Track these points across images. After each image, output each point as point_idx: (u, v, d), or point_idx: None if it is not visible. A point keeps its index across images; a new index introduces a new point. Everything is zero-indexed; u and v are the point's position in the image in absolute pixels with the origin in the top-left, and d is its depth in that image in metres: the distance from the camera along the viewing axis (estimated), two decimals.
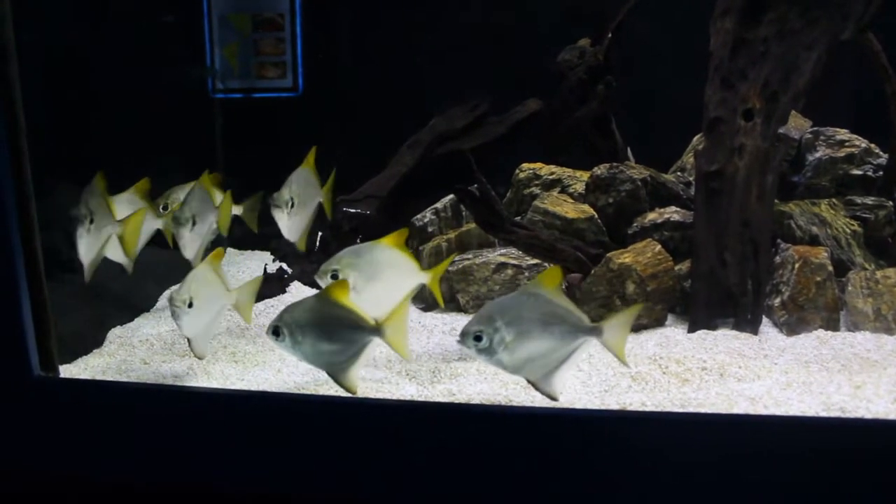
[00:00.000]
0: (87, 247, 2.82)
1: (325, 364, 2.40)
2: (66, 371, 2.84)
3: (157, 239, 3.87)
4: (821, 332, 2.99)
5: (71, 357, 2.98)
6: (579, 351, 2.22)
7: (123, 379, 2.78)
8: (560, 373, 2.23)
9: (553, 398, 2.24)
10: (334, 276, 2.53)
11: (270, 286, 3.49)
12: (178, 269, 3.95)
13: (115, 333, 3.27)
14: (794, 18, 2.96)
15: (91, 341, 3.19)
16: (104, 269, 3.73)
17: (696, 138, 3.86)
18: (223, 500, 2.37)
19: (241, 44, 4.72)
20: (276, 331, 2.38)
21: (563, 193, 3.76)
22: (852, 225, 3.38)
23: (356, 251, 2.60)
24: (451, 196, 3.92)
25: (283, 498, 2.31)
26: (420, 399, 2.50)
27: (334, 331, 2.35)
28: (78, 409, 2.45)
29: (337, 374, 2.39)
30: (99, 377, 2.80)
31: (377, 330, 2.33)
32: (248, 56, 4.70)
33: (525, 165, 3.89)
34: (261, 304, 3.46)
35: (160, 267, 3.92)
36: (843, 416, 2.20)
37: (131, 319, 3.45)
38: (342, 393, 2.54)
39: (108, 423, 2.41)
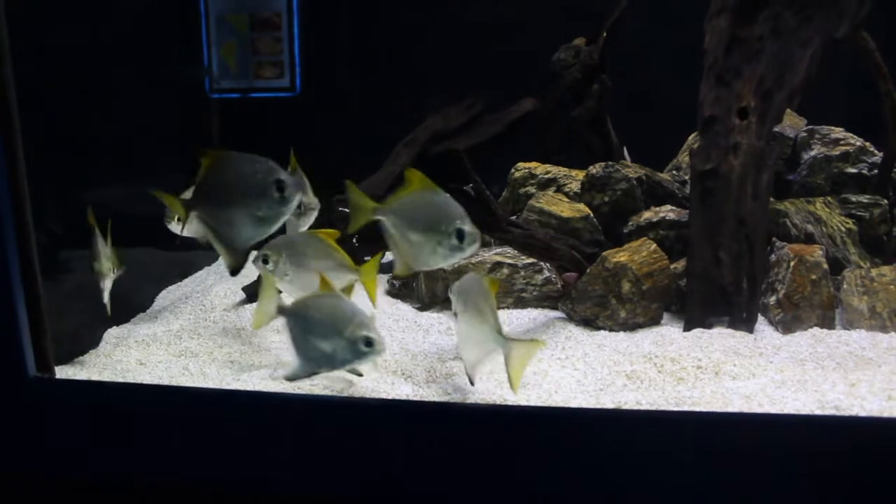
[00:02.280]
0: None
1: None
2: (62, 372, 2.83)
3: (155, 239, 3.89)
4: (816, 331, 3.00)
5: (67, 358, 2.98)
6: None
7: (119, 379, 2.77)
8: None
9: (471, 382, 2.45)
10: (265, 261, 2.59)
11: None
12: (174, 270, 3.97)
13: (112, 334, 3.26)
14: (788, 17, 2.96)
15: (87, 342, 3.18)
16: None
17: (690, 137, 3.87)
18: (220, 500, 2.37)
19: (239, 43, 4.72)
20: (265, 259, 2.58)
21: (558, 192, 3.77)
22: (847, 223, 3.39)
23: (290, 240, 2.65)
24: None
25: (280, 498, 2.31)
26: (415, 398, 2.51)
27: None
28: (74, 410, 2.45)
29: None
30: (95, 378, 2.80)
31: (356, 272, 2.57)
32: (246, 56, 4.70)
33: (520, 164, 3.89)
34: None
35: (156, 267, 3.92)
36: (837, 414, 2.20)
37: (128, 320, 3.45)
38: (338, 393, 2.55)
39: (104, 423, 2.41)
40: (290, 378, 2.34)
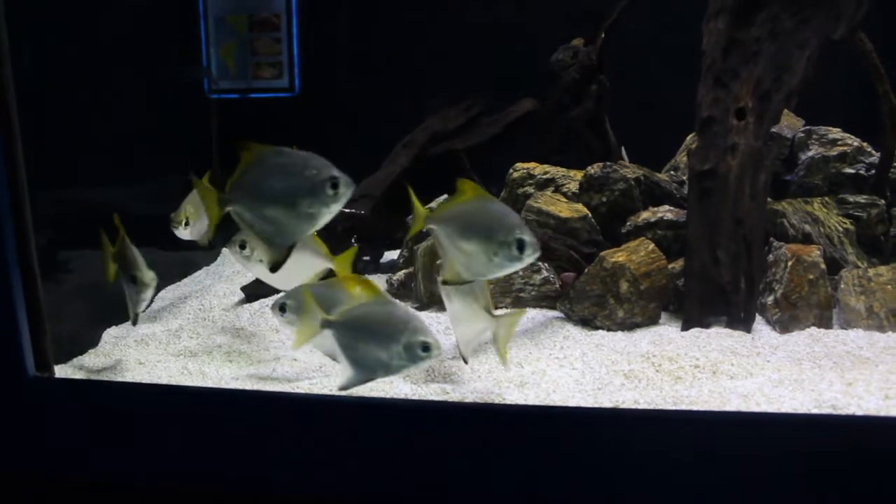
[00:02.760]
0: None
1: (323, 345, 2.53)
2: (62, 371, 2.84)
3: (152, 239, 3.89)
4: (813, 330, 3.01)
5: (66, 357, 2.99)
6: None
7: (118, 379, 2.78)
8: None
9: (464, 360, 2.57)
10: (242, 246, 2.63)
11: (264, 287, 3.49)
12: (174, 269, 3.98)
13: (111, 333, 3.27)
14: (785, 18, 2.97)
15: (86, 341, 3.19)
16: (100, 269, 3.75)
17: (689, 137, 3.88)
18: (219, 499, 2.37)
19: (238, 44, 4.73)
20: (282, 307, 2.62)
21: (556, 193, 3.77)
22: (845, 223, 3.40)
23: None
24: (446, 196, 3.93)
25: (280, 498, 2.31)
26: (414, 398, 2.51)
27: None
28: (73, 410, 2.45)
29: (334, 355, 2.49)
30: (94, 377, 2.81)
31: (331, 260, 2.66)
32: (245, 56, 4.71)
33: (519, 165, 3.90)
34: (255, 304, 3.47)
35: (155, 267, 3.92)
36: (834, 412, 2.21)
37: (127, 320, 3.44)
38: (334, 390, 2.55)
39: (104, 423, 2.41)
40: (345, 388, 2.30)
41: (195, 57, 4.69)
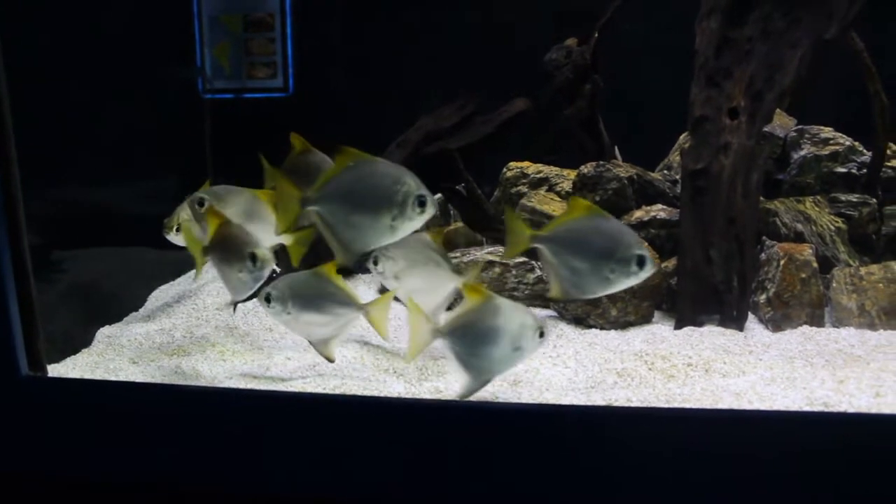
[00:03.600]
0: None
1: (309, 334, 2.64)
2: (55, 370, 2.84)
3: (145, 239, 3.89)
4: (805, 328, 3.02)
5: (59, 357, 2.98)
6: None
7: (112, 378, 2.77)
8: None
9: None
10: (200, 203, 2.64)
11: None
12: (167, 268, 3.97)
13: (104, 333, 3.26)
14: (778, 18, 2.99)
15: (79, 341, 3.19)
16: (93, 269, 3.75)
17: (682, 137, 3.89)
18: (214, 499, 2.37)
19: (232, 44, 4.72)
20: (268, 297, 2.57)
21: (550, 192, 3.79)
22: (836, 222, 3.41)
23: (229, 190, 2.70)
24: (439, 195, 3.94)
25: (275, 498, 2.31)
26: (408, 396, 2.52)
27: (323, 304, 2.56)
28: (67, 409, 2.45)
29: (318, 345, 2.65)
30: (88, 377, 2.80)
31: (362, 308, 2.57)
32: (239, 56, 4.70)
33: (512, 164, 3.91)
34: (249, 303, 3.46)
35: (148, 266, 3.93)
36: (826, 410, 2.22)
37: (120, 319, 3.45)
38: (330, 391, 2.55)
39: (98, 422, 2.41)
40: (466, 395, 2.35)
41: (189, 57, 4.68)
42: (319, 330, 2.62)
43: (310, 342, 2.69)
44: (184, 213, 3.13)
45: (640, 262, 2.22)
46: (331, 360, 2.67)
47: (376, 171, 2.24)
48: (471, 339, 2.29)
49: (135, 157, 4.01)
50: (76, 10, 3.74)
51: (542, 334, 2.25)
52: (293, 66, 4.76)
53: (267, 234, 2.62)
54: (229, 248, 2.59)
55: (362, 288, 3.82)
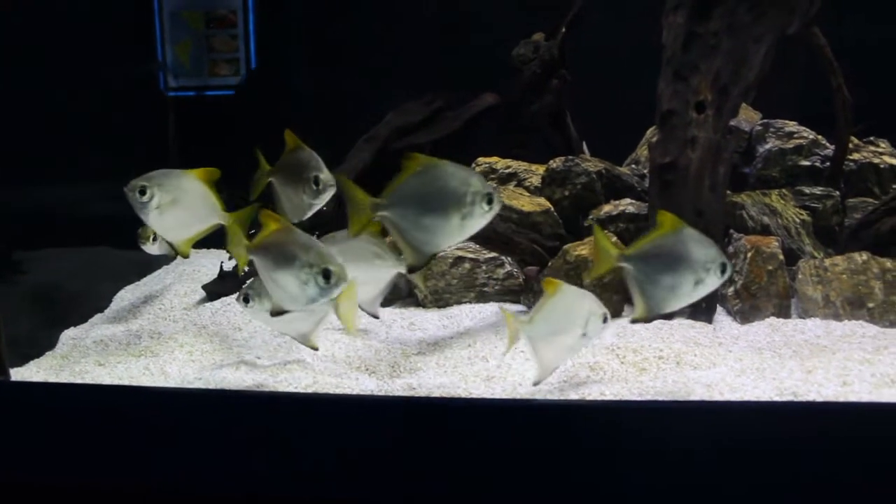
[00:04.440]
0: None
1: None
2: (18, 374, 2.78)
3: (107, 239, 3.83)
4: (773, 320, 3.06)
5: (22, 360, 2.92)
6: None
7: (78, 381, 2.72)
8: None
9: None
10: (142, 192, 2.60)
11: (226, 284, 3.46)
12: (132, 269, 3.92)
13: (69, 335, 3.20)
14: (742, 13, 3.01)
15: (44, 343, 3.13)
16: (55, 270, 3.68)
17: (649, 131, 3.92)
18: (184, 500, 2.34)
19: (194, 41, 4.67)
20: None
21: (519, 187, 3.79)
22: (801, 214, 3.46)
23: (167, 173, 2.66)
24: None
25: (248, 498, 2.29)
26: (381, 394, 2.50)
27: None
28: (30, 413, 2.40)
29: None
30: (52, 380, 2.75)
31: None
32: (201, 53, 4.65)
33: (481, 159, 3.90)
34: (217, 303, 3.42)
35: (112, 267, 3.87)
36: (795, 399, 2.25)
37: (85, 320, 3.39)
38: (302, 389, 2.53)
39: (62, 426, 2.37)
40: (539, 381, 2.44)
41: (151, 53, 4.63)
42: (298, 324, 2.65)
43: (291, 336, 2.73)
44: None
45: (723, 269, 2.31)
46: (315, 349, 2.73)
47: (443, 174, 2.30)
48: (553, 328, 2.38)
49: (96, 156, 3.95)
50: (34, 4, 3.68)
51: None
52: (256, 63, 4.73)
53: (205, 215, 2.64)
54: (295, 172, 2.65)
55: None
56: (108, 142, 4.06)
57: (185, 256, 2.74)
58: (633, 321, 2.38)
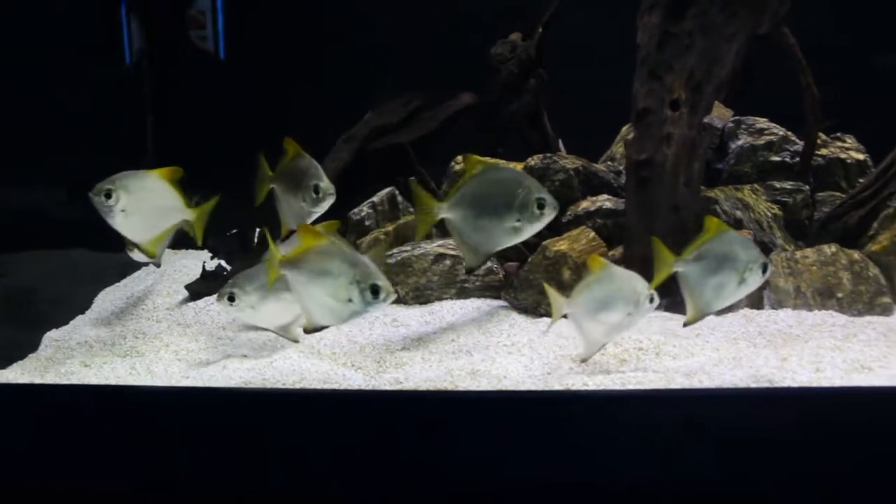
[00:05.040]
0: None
1: (270, 323, 2.82)
2: (1, 377, 2.78)
3: (84, 241, 3.82)
4: (747, 311, 3.14)
5: (5, 363, 2.92)
6: None
7: (64, 382, 2.73)
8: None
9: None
10: (107, 195, 2.68)
11: (209, 284, 3.47)
12: (112, 270, 3.91)
13: (51, 337, 3.20)
14: (715, 13, 3.09)
15: (25, 346, 3.12)
16: (34, 273, 3.67)
17: (624, 128, 3.99)
18: (174, 498, 2.36)
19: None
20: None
21: None
22: (773, 208, 3.55)
23: (130, 175, 2.75)
24: (388, 189, 3.96)
25: (239, 494, 2.31)
26: (368, 388, 2.54)
27: (280, 293, 2.69)
28: (16, 415, 2.40)
29: (280, 330, 2.83)
30: (38, 381, 2.75)
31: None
32: None
33: (460, 157, 3.95)
34: (200, 302, 3.44)
35: (92, 269, 3.86)
36: (771, 386, 2.33)
37: (66, 322, 3.38)
38: (289, 385, 2.56)
39: (47, 427, 2.37)
40: (586, 358, 2.61)
41: (119, 56, 4.60)
42: (279, 318, 2.77)
43: (271, 330, 2.84)
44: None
45: (764, 269, 2.45)
46: (296, 342, 2.84)
47: (499, 178, 2.42)
48: (598, 304, 2.48)
49: (72, 158, 3.94)
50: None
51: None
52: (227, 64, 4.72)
53: (170, 213, 2.75)
54: (295, 179, 2.74)
55: None
56: (83, 144, 4.05)
57: (152, 257, 2.81)
58: (686, 324, 2.49)
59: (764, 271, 2.44)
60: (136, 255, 3.18)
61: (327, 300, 2.34)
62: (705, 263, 2.44)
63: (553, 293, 2.51)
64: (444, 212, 2.43)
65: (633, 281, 2.50)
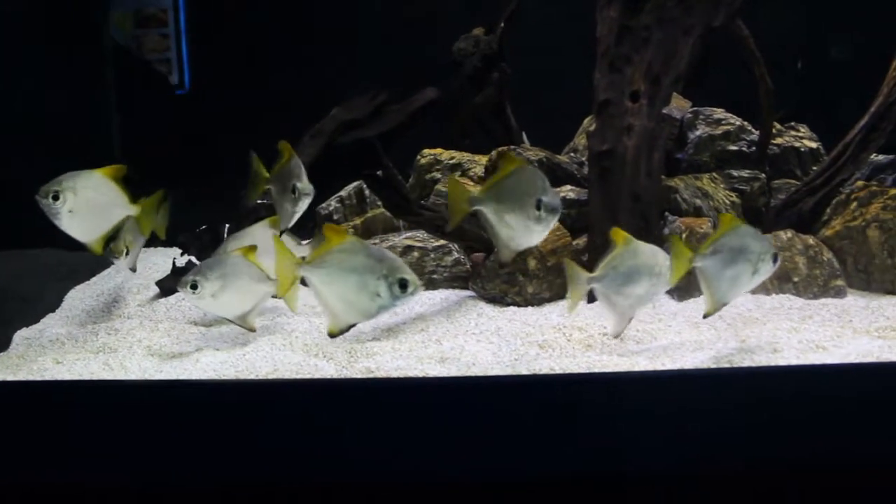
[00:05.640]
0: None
1: (229, 312, 2.86)
2: None
3: (55, 240, 3.81)
4: None
5: None
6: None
7: (37, 379, 2.73)
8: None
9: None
10: (55, 197, 2.74)
11: (180, 280, 3.48)
12: (81, 269, 3.90)
13: (22, 335, 3.18)
14: (671, 7, 3.18)
15: None
16: (5, 270, 3.65)
17: (586, 120, 4.07)
18: (153, 493, 2.38)
19: (124, 43, 4.64)
20: (194, 285, 2.75)
21: (463, 177, 3.91)
22: (731, 196, 3.65)
23: (75, 175, 2.81)
24: (356, 184, 4.00)
25: (216, 487, 2.34)
26: (341, 377, 2.58)
27: (241, 283, 2.80)
28: None
29: (238, 320, 2.88)
30: (11, 379, 2.75)
31: (274, 282, 2.78)
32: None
33: (426, 151, 4.01)
34: (171, 298, 3.46)
35: (61, 267, 3.85)
36: (731, 366, 2.43)
37: (37, 321, 3.37)
38: (262, 376, 2.60)
39: (24, 424, 2.38)
40: (617, 334, 2.69)
41: None
42: (239, 307, 2.84)
43: (229, 319, 2.90)
44: (129, 234, 3.13)
45: (775, 259, 2.55)
46: (252, 331, 2.92)
47: (523, 177, 2.52)
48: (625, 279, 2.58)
49: (38, 156, 3.93)
50: None
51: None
52: (189, 63, 4.72)
53: (114, 210, 2.84)
54: (284, 180, 2.88)
55: None
56: (49, 141, 4.04)
57: (99, 255, 2.87)
58: (706, 315, 2.59)
59: (774, 261, 2.54)
60: (121, 262, 3.20)
61: (355, 297, 2.38)
62: (721, 257, 2.52)
63: (573, 268, 2.59)
64: (478, 204, 2.52)
65: (655, 254, 2.59)
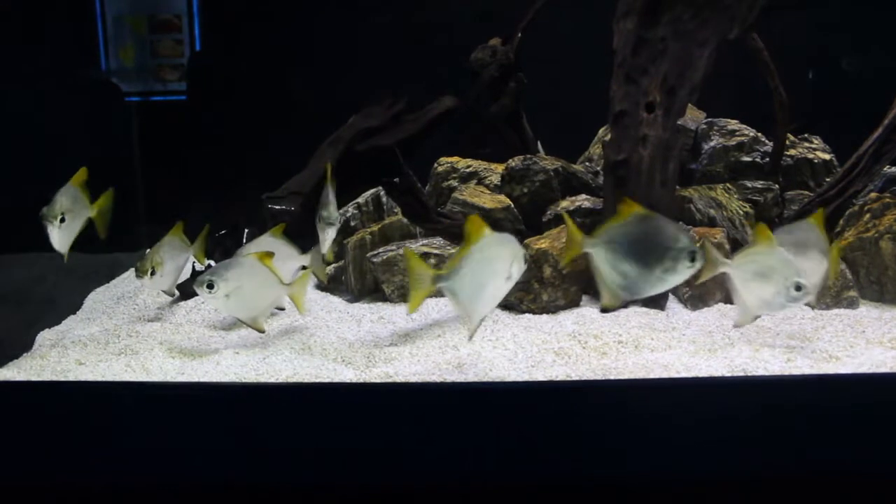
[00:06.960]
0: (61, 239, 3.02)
1: (241, 313, 2.96)
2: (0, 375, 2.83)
3: (75, 242, 3.85)
4: (721, 306, 3.27)
5: (1, 362, 2.96)
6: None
7: (61, 380, 2.78)
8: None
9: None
10: (209, 286, 2.86)
11: None
12: (101, 270, 3.96)
13: (45, 336, 3.24)
14: (687, 20, 3.22)
15: (18, 346, 3.16)
16: (24, 274, 3.71)
17: (601, 130, 4.11)
18: (173, 493, 2.42)
19: (138, 46, 4.68)
20: (210, 284, 2.82)
21: (479, 185, 3.95)
22: (745, 207, 3.68)
23: (65, 191, 3.03)
24: (373, 191, 4.05)
25: (236, 487, 2.38)
26: (359, 382, 2.62)
27: (254, 285, 2.90)
28: (15, 412, 2.45)
29: (248, 321, 2.97)
30: (34, 379, 2.80)
31: (286, 287, 3.00)
32: (146, 58, 4.67)
33: (443, 159, 4.06)
34: (191, 301, 3.50)
35: (81, 269, 3.90)
36: (745, 375, 2.46)
37: (59, 322, 3.42)
38: (282, 379, 2.64)
39: (49, 424, 2.42)
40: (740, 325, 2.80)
41: (94, 58, 4.63)
42: (251, 308, 2.93)
43: (240, 319, 3.00)
44: (158, 254, 3.19)
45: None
46: (262, 332, 3.00)
47: (654, 229, 2.45)
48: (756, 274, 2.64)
49: (60, 160, 3.97)
50: None
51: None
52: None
53: (78, 213, 3.04)
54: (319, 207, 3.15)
55: None
56: (71, 146, 4.10)
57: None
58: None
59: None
60: (146, 282, 3.23)
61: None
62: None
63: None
64: (590, 246, 2.48)
65: (788, 265, 2.58)
